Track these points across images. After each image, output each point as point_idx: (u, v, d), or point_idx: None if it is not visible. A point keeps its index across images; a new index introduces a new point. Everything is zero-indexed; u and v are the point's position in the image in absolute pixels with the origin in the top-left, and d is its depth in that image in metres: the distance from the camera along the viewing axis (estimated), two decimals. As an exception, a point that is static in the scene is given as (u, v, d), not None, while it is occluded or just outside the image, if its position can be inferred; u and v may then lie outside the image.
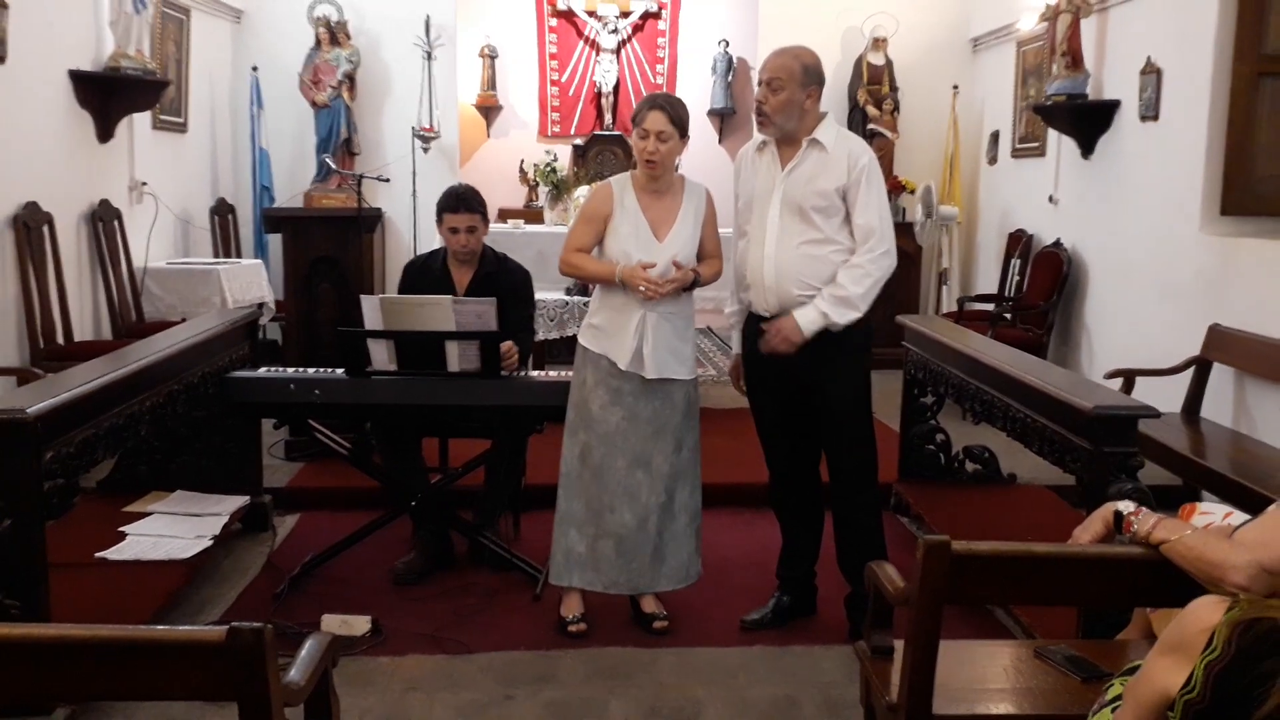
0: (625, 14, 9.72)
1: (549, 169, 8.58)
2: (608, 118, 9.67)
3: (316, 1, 7.64)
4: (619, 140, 9.28)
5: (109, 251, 5.99)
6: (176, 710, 3.01)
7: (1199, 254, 5.28)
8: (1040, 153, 7.22)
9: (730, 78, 9.74)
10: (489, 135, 9.89)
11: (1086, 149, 6.45)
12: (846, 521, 3.62)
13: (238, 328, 4.38)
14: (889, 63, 8.16)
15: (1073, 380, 3.68)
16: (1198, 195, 5.30)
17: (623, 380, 3.53)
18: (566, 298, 6.19)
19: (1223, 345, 4.98)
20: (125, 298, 6.11)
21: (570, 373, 3.71)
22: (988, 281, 7.95)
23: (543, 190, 8.65)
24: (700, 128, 9.42)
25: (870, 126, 7.98)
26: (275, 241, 6.28)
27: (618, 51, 9.74)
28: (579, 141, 9.55)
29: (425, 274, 4.27)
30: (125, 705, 3.04)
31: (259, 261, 7.18)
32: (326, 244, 5.24)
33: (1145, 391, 4.66)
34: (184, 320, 5.28)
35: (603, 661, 3.46)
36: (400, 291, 4.30)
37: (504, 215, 8.52)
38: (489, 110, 9.80)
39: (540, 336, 5.81)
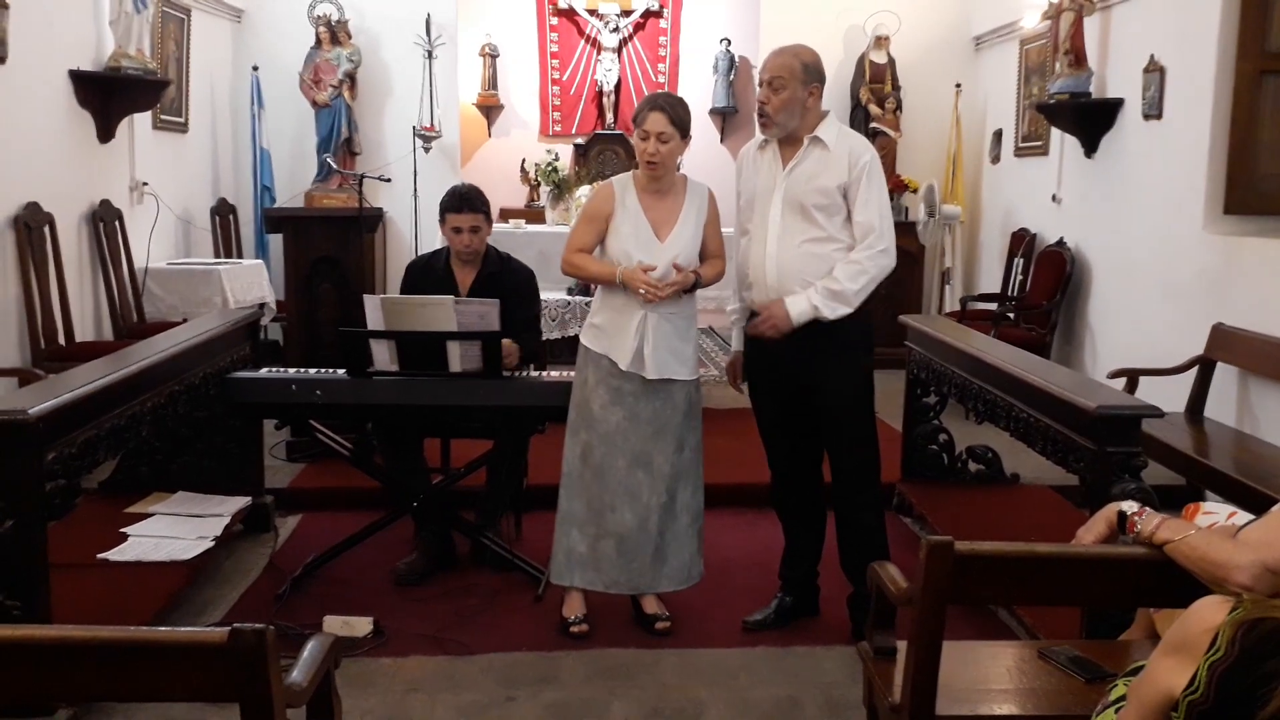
0: (626, 12, 9.71)
1: (550, 168, 8.56)
2: (609, 117, 9.66)
3: (317, 1, 7.63)
4: (620, 139, 9.28)
5: (110, 252, 5.98)
6: (178, 711, 3.01)
7: (1202, 253, 5.28)
8: (1043, 151, 7.21)
9: (732, 76, 9.73)
10: (490, 135, 9.88)
11: (1089, 148, 6.44)
12: (848, 522, 3.61)
13: (239, 328, 4.38)
14: (891, 61, 8.16)
15: (1076, 380, 3.67)
16: (1201, 194, 5.29)
17: (624, 380, 3.52)
18: (568, 298, 6.19)
19: (1226, 344, 4.97)
20: (126, 298, 6.10)
21: (572, 373, 3.70)
22: (990, 281, 7.94)
23: (544, 190, 8.63)
24: (702, 127, 9.39)
25: (872, 125, 7.97)
26: (276, 241, 6.28)
27: (619, 50, 9.73)
28: (580, 141, 9.54)
29: (428, 274, 4.27)
30: (127, 706, 3.04)
31: (260, 262, 7.18)
32: (327, 244, 5.24)
33: (1149, 391, 4.65)
34: (185, 321, 5.29)
35: (604, 662, 3.46)
36: (402, 291, 4.29)
37: (505, 215, 8.52)
38: (490, 109, 9.80)
39: (543, 336, 5.81)
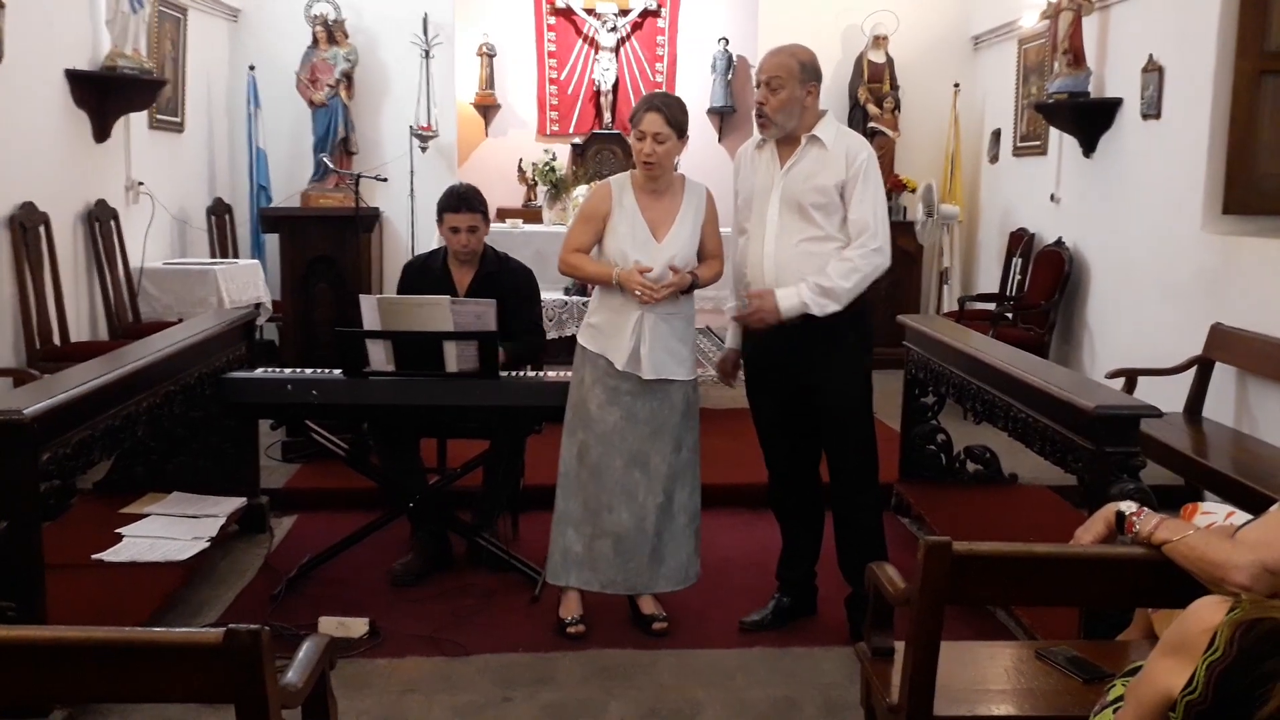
0: (624, 12, 9.71)
1: (547, 168, 8.57)
2: (607, 116, 9.66)
3: (313, 0, 7.62)
4: (618, 139, 9.27)
5: (105, 252, 5.98)
6: (174, 712, 3.00)
7: (1201, 253, 5.27)
8: (1042, 151, 7.21)
9: (730, 76, 9.73)
10: (487, 134, 9.88)
11: (1088, 147, 6.45)
12: (847, 522, 3.61)
13: (234, 328, 4.37)
14: (890, 61, 8.15)
15: (1074, 380, 3.67)
16: (1199, 194, 5.29)
17: (620, 380, 3.52)
18: (565, 298, 6.18)
19: (1225, 344, 4.97)
20: (122, 298, 6.09)
21: (569, 373, 3.70)
22: (989, 281, 7.95)
23: (541, 189, 8.64)
24: (700, 126, 9.40)
25: (871, 125, 7.97)
26: (272, 241, 6.27)
27: (617, 50, 9.73)
28: (578, 140, 9.54)
29: (425, 274, 4.26)
30: (122, 707, 3.03)
31: (256, 261, 7.16)
32: (324, 244, 5.23)
33: (1147, 391, 4.65)
34: (181, 321, 5.27)
35: (601, 663, 3.45)
36: (399, 292, 4.28)
37: (502, 215, 8.52)
38: (487, 109, 9.80)
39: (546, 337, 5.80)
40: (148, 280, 6.36)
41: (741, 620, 3.71)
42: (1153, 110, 5.74)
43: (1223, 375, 5.04)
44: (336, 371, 3.90)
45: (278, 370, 4.13)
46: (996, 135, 8.04)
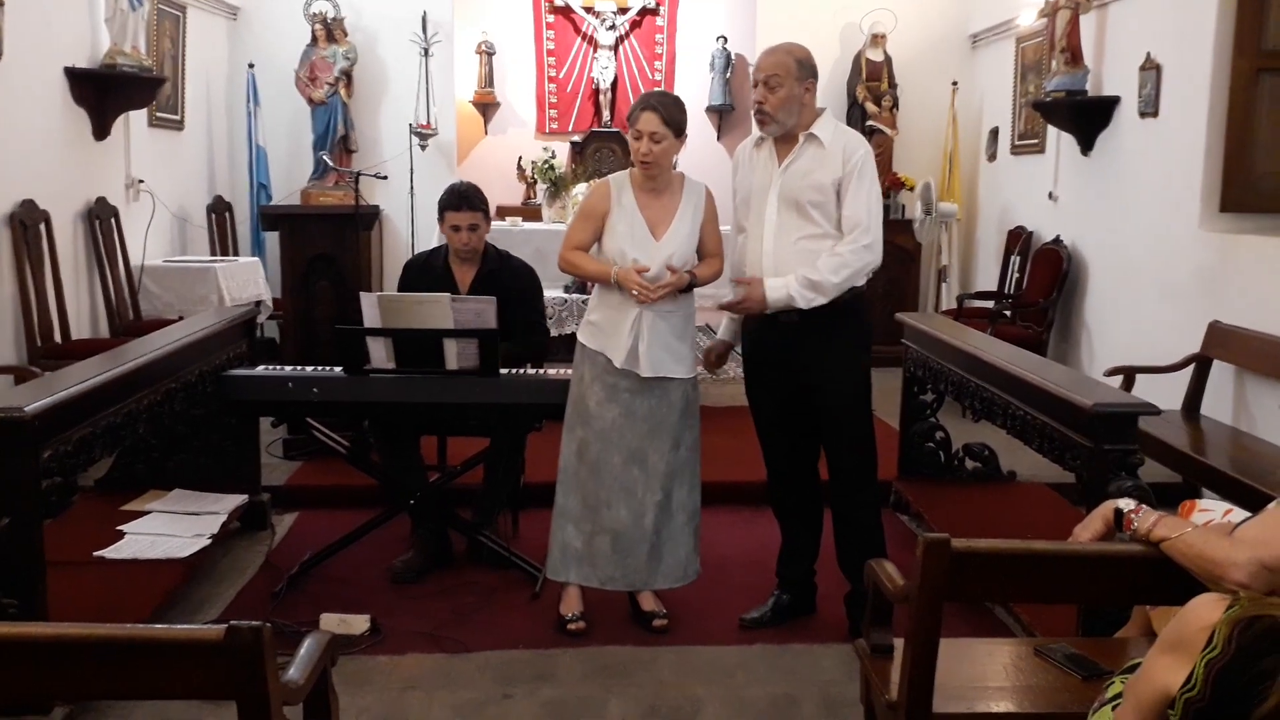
0: (623, 10, 9.70)
1: (547, 166, 8.56)
2: (606, 115, 9.64)
3: (313, -2, 7.63)
4: (617, 137, 9.27)
5: (106, 249, 5.98)
6: (175, 709, 3.01)
7: (1199, 251, 5.28)
8: (1040, 149, 7.21)
9: (728, 74, 9.72)
10: (486, 132, 9.86)
11: (1086, 145, 6.45)
12: (846, 519, 3.62)
13: (235, 326, 4.38)
14: (888, 59, 8.15)
15: (1073, 377, 3.68)
16: (1197, 192, 5.29)
17: (619, 377, 3.52)
18: (565, 295, 6.18)
19: (1223, 342, 4.97)
20: (122, 296, 6.10)
21: (569, 370, 3.70)
22: (987, 279, 7.95)
23: (540, 188, 8.64)
24: (698, 124, 9.40)
25: (869, 123, 7.97)
26: (272, 239, 6.27)
27: (616, 48, 9.72)
28: (577, 138, 9.53)
29: (426, 272, 4.27)
30: (123, 704, 3.04)
31: (256, 259, 7.16)
32: (324, 241, 5.23)
33: (1145, 389, 4.66)
34: (181, 318, 5.27)
35: (602, 660, 3.45)
36: (400, 290, 4.29)
37: (502, 213, 8.50)
38: (486, 107, 9.78)
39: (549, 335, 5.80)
40: (148, 278, 6.36)
41: (741, 617, 3.72)
42: (1150, 108, 5.74)
43: (1220, 373, 5.05)
44: (337, 369, 3.90)
45: (278, 368, 4.14)
46: (994, 133, 8.04)
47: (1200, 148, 5.26)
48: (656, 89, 3.54)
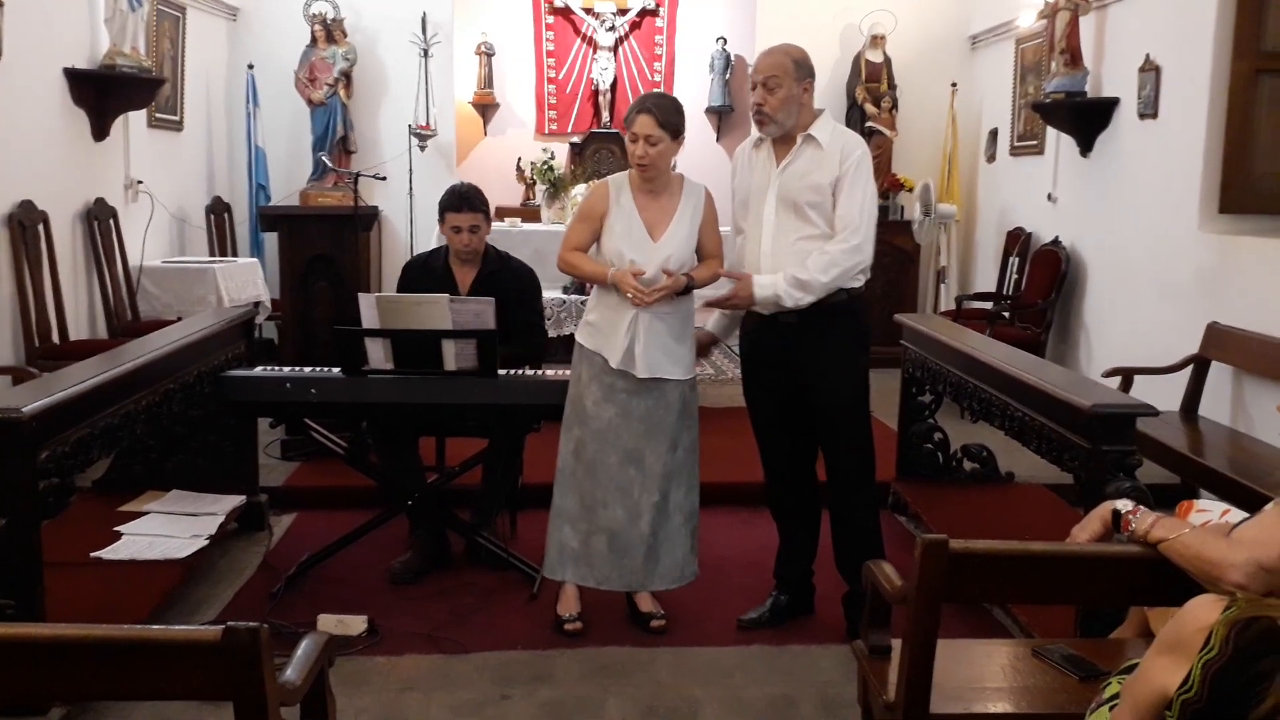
0: (623, 11, 9.71)
1: (546, 167, 8.57)
2: (605, 116, 9.66)
3: (312, -1, 7.64)
4: (616, 138, 9.27)
5: (104, 250, 5.97)
6: (172, 710, 3.01)
7: (1197, 252, 5.28)
8: (1039, 150, 7.21)
9: (728, 75, 9.73)
10: (486, 133, 9.88)
11: (1085, 147, 6.45)
12: (844, 520, 3.61)
13: (233, 326, 4.38)
14: (887, 60, 8.16)
15: (1071, 379, 3.68)
16: (1196, 193, 5.30)
17: (616, 377, 3.53)
18: (564, 296, 6.18)
19: (1221, 343, 4.98)
20: (121, 296, 6.09)
21: (567, 371, 3.71)
22: (986, 280, 7.95)
23: (540, 189, 8.65)
24: (698, 126, 9.41)
25: (868, 124, 7.97)
26: (271, 240, 6.26)
27: (615, 49, 9.73)
28: (576, 139, 9.54)
29: (426, 273, 4.27)
30: (121, 705, 3.04)
31: (255, 260, 7.16)
32: (323, 242, 5.23)
33: (1143, 390, 4.66)
34: (180, 319, 5.27)
35: (600, 661, 3.45)
36: (399, 291, 4.28)
37: (501, 214, 8.51)
38: (486, 108, 9.80)
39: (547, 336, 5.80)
40: (147, 279, 6.36)
41: (739, 618, 3.72)
42: (1150, 110, 5.74)
43: (1219, 374, 5.05)
44: (335, 370, 3.90)
45: (277, 369, 4.13)
46: (994, 135, 8.04)
47: (1199, 149, 5.27)
48: (654, 91, 3.54)
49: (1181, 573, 2.08)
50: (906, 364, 4.83)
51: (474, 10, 9.41)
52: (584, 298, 4.68)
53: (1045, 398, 3.41)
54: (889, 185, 8.06)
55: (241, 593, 3.92)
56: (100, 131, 5.96)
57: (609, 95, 9.70)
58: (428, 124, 7.97)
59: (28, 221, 5.23)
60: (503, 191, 9.29)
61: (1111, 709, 1.85)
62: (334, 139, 7.62)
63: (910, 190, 8.01)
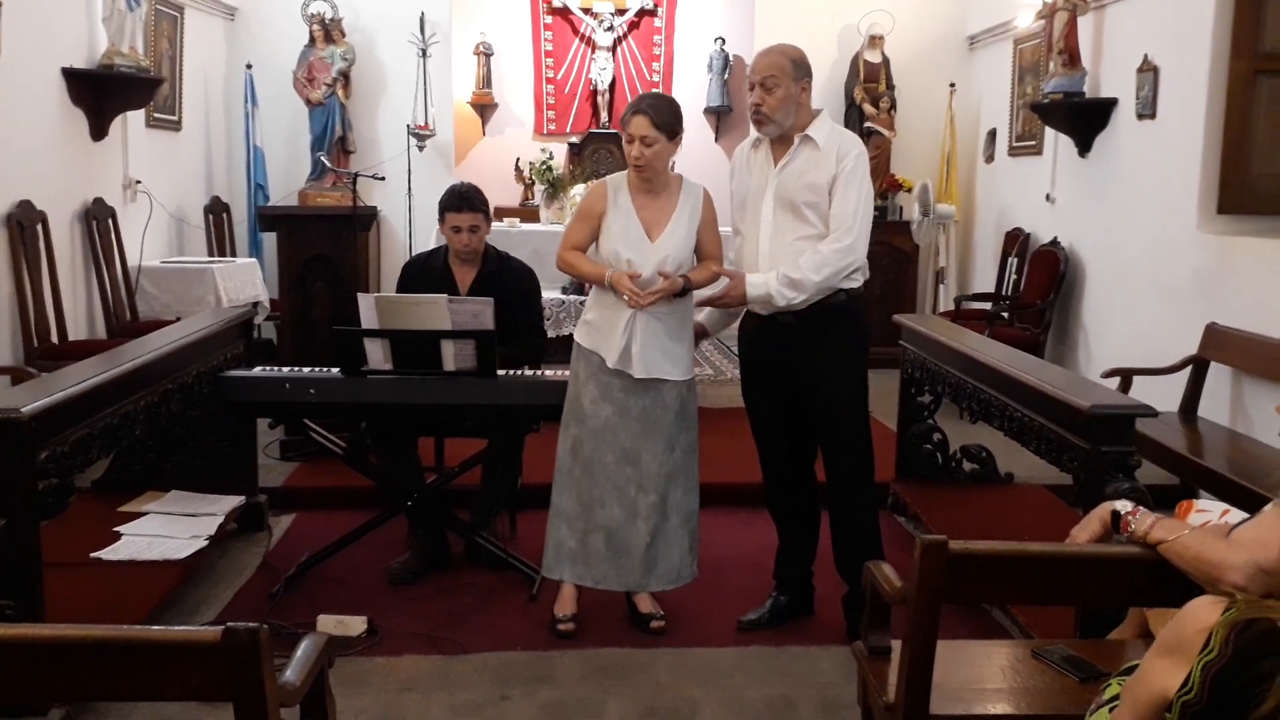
0: (621, 11, 9.70)
1: (545, 167, 8.57)
2: (604, 116, 9.65)
3: (310, -1, 7.63)
4: (615, 138, 9.26)
5: (103, 250, 5.97)
6: (172, 710, 3.01)
7: (1196, 253, 5.29)
8: (1037, 151, 7.22)
9: (726, 75, 9.73)
10: (484, 133, 9.87)
11: (1084, 147, 6.46)
12: (843, 521, 3.61)
13: (232, 326, 4.37)
14: (886, 60, 8.16)
15: (1070, 379, 3.68)
16: (1194, 194, 5.30)
17: (613, 376, 3.53)
18: (563, 296, 6.17)
19: (1220, 344, 4.98)
20: (119, 296, 6.09)
21: (567, 372, 3.71)
22: (985, 280, 7.95)
23: (538, 189, 8.65)
24: (696, 126, 9.41)
25: (867, 125, 7.98)
26: (270, 240, 6.26)
27: (614, 49, 9.73)
28: (575, 140, 9.54)
29: (426, 273, 4.26)
30: (120, 705, 3.04)
31: (254, 260, 7.16)
32: (321, 242, 5.23)
33: (1142, 390, 4.66)
34: (178, 319, 5.27)
35: (599, 661, 3.45)
36: (399, 291, 4.28)
37: (499, 214, 8.50)
38: (484, 108, 9.79)
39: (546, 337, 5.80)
40: (145, 279, 6.36)
41: (739, 619, 3.72)
42: (1148, 110, 5.75)
43: (1218, 375, 5.05)
44: (334, 370, 3.90)
45: (275, 369, 4.13)
46: (992, 135, 8.05)
47: (1198, 149, 5.27)
48: (649, 92, 3.54)
49: (1181, 574, 2.08)
50: (905, 364, 4.83)
51: (472, 10, 9.41)
52: (583, 298, 4.68)
53: (1044, 398, 3.41)
54: (887, 186, 8.07)
55: (241, 593, 3.92)
56: (99, 131, 5.95)
57: (607, 95, 9.69)
58: (426, 124, 7.97)
59: (26, 221, 5.23)
60: (501, 192, 9.28)
61: (1111, 710, 1.85)
62: (332, 139, 7.62)
63: (909, 191, 8.02)
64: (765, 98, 3.42)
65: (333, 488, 4.81)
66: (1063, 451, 3.31)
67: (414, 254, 6.41)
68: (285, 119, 7.89)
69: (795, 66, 3.43)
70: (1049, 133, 6.94)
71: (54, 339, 5.39)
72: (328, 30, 7.60)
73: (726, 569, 4.14)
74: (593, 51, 9.72)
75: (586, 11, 9.70)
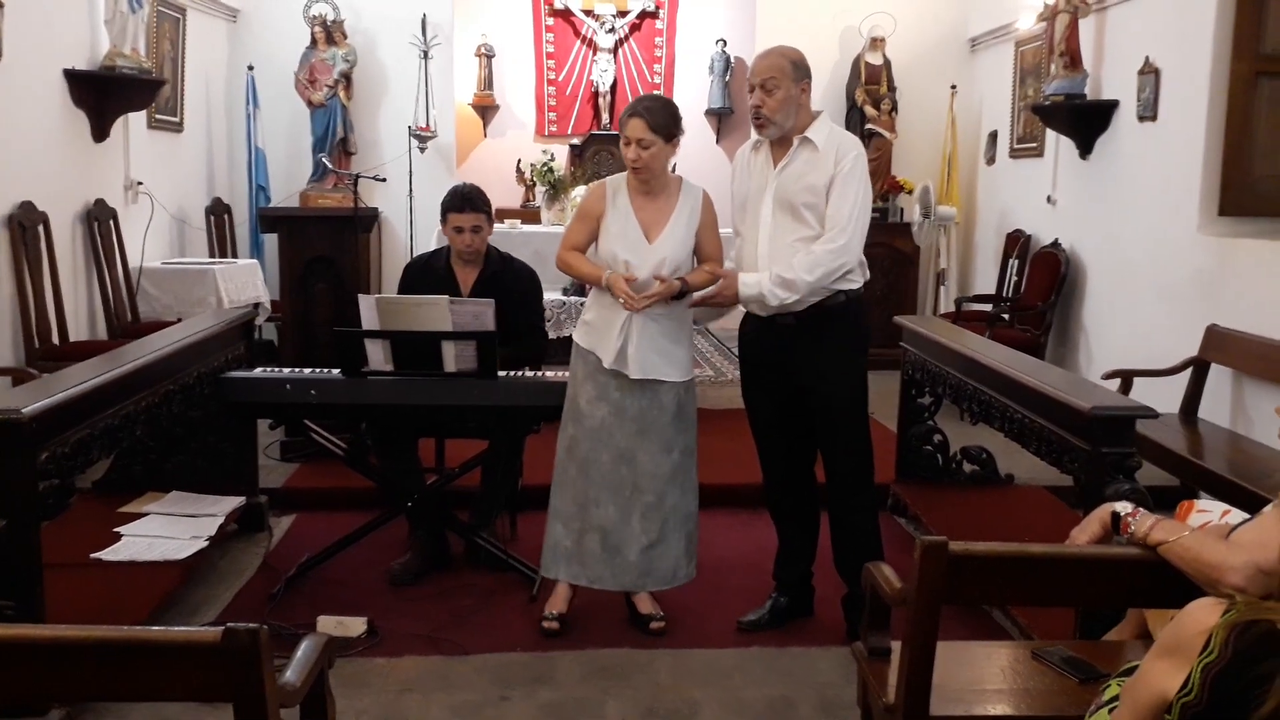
0: (622, 13, 9.72)
1: (546, 169, 8.58)
2: (605, 117, 9.66)
3: (312, 0, 7.63)
4: (616, 140, 9.12)
5: (104, 251, 5.97)
6: (172, 711, 3.00)
7: (1197, 254, 5.29)
8: (1038, 153, 7.22)
9: (728, 77, 9.74)
10: (486, 135, 9.88)
11: (1084, 149, 6.46)
12: (843, 523, 3.61)
13: (233, 328, 4.38)
14: (887, 62, 8.16)
15: (1070, 381, 3.68)
16: (1195, 195, 5.30)
17: (610, 377, 3.53)
18: (564, 298, 6.17)
19: (1220, 346, 4.98)
20: (121, 297, 6.09)
21: (567, 372, 3.71)
22: (985, 282, 7.95)
23: (540, 190, 8.66)
24: (697, 127, 9.41)
25: (868, 126, 7.98)
26: (271, 241, 6.27)
27: (615, 51, 9.74)
28: (576, 141, 9.55)
29: (428, 274, 4.27)
30: (120, 706, 3.04)
31: (255, 261, 7.17)
32: (322, 244, 5.23)
33: (1143, 392, 4.66)
34: (179, 320, 5.27)
35: (599, 662, 3.45)
36: (400, 292, 4.29)
37: (501, 215, 8.49)
38: (486, 110, 9.80)
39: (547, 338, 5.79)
40: (146, 280, 6.36)
41: (739, 620, 3.72)
42: (1149, 112, 5.75)
43: (1218, 376, 5.05)
44: (335, 371, 3.90)
45: (276, 370, 4.13)
46: (993, 137, 8.05)
47: (1199, 151, 5.27)
48: (646, 94, 3.55)
49: (1181, 575, 2.08)
50: (906, 366, 4.83)
51: (474, 12, 9.42)
52: (585, 299, 4.68)
53: (1045, 400, 3.41)
54: (889, 187, 8.07)
55: (241, 594, 3.92)
56: (100, 132, 5.96)
57: (609, 97, 9.70)
58: (427, 125, 7.97)
59: (28, 222, 5.23)
60: (503, 193, 9.29)
61: (1111, 711, 1.85)
62: (334, 140, 7.63)
63: (910, 192, 8.02)
64: (765, 99, 3.42)
65: (333, 489, 4.82)
66: (1063, 453, 3.31)
67: (415, 255, 6.42)
68: (286, 120, 7.90)
69: (795, 68, 3.43)
70: (1050, 135, 6.94)
71: (55, 340, 5.39)
72: (329, 32, 7.61)
73: (726, 570, 4.14)
74: (594, 53, 9.73)
75: (588, 13, 9.71)
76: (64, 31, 5.65)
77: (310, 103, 7.60)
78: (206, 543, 3.91)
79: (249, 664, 1.70)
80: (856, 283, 3.50)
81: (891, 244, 7.90)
